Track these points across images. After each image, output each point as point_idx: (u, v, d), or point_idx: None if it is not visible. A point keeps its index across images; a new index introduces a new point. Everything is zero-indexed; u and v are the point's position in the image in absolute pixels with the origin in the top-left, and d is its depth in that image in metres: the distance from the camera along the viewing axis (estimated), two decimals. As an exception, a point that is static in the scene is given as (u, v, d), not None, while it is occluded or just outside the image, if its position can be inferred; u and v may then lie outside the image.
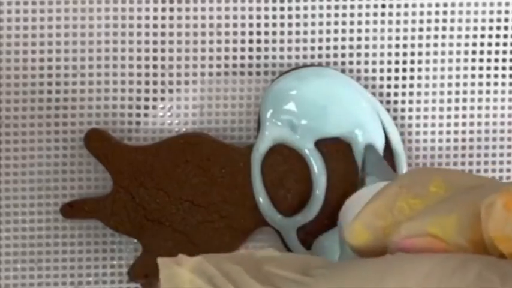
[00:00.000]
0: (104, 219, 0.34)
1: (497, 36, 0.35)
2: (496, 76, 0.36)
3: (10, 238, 0.35)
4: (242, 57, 0.35)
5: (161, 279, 0.21)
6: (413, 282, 0.19)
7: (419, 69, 0.35)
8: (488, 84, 0.36)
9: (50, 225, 0.35)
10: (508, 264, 0.19)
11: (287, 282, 0.21)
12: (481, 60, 0.36)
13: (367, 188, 0.29)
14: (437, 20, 0.35)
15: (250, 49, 0.35)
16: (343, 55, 0.35)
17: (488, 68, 0.36)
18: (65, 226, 0.35)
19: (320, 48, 0.35)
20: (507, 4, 0.35)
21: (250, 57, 0.35)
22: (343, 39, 0.35)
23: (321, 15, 0.35)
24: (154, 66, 0.35)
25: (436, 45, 0.35)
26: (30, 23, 0.34)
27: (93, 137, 0.34)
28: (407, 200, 0.22)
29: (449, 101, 0.36)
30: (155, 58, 0.35)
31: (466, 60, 0.35)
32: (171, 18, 0.35)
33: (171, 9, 0.35)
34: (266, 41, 0.35)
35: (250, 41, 0.35)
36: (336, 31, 0.35)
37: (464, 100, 0.36)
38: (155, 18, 0.35)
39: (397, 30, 0.35)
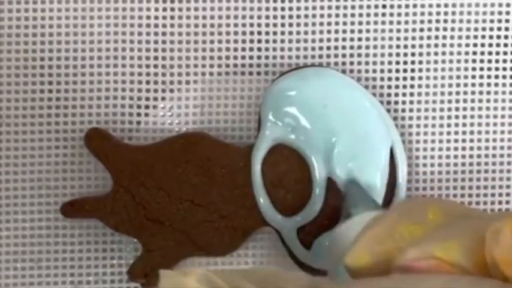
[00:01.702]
0: (104, 219, 0.34)
1: (498, 37, 0.35)
2: (496, 77, 0.36)
3: (10, 237, 0.35)
4: (243, 57, 0.35)
5: None
6: None
7: (420, 70, 0.35)
8: (488, 85, 0.36)
9: (50, 225, 0.35)
10: None
11: None
12: (481, 61, 0.36)
13: (358, 216, 0.30)
14: (438, 21, 0.35)
15: (251, 49, 0.35)
16: (343, 55, 0.35)
17: (489, 69, 0.36)
18: (65, 225, 0.35)
19: (321, 48, 0.35)
20: (508, 5, 0.35)
21: (251, 57, 0.35)
22: (344, 39, 0.35)
23: (321, 16, 0.35)
24: (155, 66, 0.35)
25: (436, 45, 0.35)
26: (31, 22, 0.34)
27: (93, 136, 0.34)
28: (408, 227, 0.23)
29: (449, 101, 0.36)
30: (156, 58, 0.35)
31: (466, 61, 0.35)
32: (172, 18, 0.35)
33: (172, 9, 0.35)
34: (267, 41, 0.35)
35: (251, 41, 0.35)
36: (336, 31, 0.35)
37: (465, 101, 0.36)
38: (156, 18, 0.35)
39: (398, 30, 0.35)
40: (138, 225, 0.34)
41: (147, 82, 0.35)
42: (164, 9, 0.35)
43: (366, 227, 0.23)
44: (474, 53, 0.35)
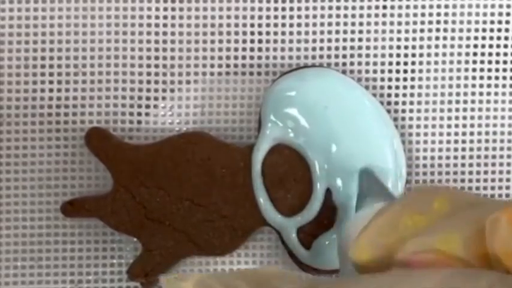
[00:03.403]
0: (104, 218, 0.34)
1: (498, 38, 0.36)
2: (496, 78, 0.36)
3: (10, 236, 0.35)
4: (243, 57, 0.35)
5: None
6: None
7: (420, 71, 0.35)
8: (489, 86, 0.36)
9: (50, 224, 0.35)
10: None
11: None
12: (482, 61, 0.36)
13: (367, 208, 0.29)
14: (438, 22, 0.35)
15: (252, 49, 0.35)
16: (344, 56, 0.35)
17: (490, 70, 0.36)
18: (65, 224, 0.35)
19: (321, 48, 0.35)
20: (508, 6, 0.35)
21: (252, 57, 0.35)
22: (345, 40, 0.35)
23: (322, 16, 0.35)
24: (156, 66, 0.35)
25: (437, 46, 0.35)
26: (32, 21, 0.35)
27: (94, 135, 0.34)
28: (412, 216, 0.22)
29: (449, 102, 0.36)
30: (157, 57, 0.35)
31: (467, 61, 0.36)
32: (173, 17, 0.35)
33: (173, 9, 0.35)
34: (267, 41, 0.35)
35: (252, 41, 0.35)
36: (337, 32, 0.35)
37: (465, 102, 0.36)
38: (157, 17, 0.35)
39: (399, 31, 0.35)
40: (138, 225, 0.34)
41: (148, 82, 0.35)
42: (165, 9, 0.35)
43: (370, 219, 0.23)
44: (474, 54, 0.36)
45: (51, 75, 0.35)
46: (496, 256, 0.20)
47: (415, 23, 0.35)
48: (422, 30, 0.35)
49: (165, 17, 0.35)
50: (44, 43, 0.35)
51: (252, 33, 0.35)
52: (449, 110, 0.36)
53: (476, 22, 0.35)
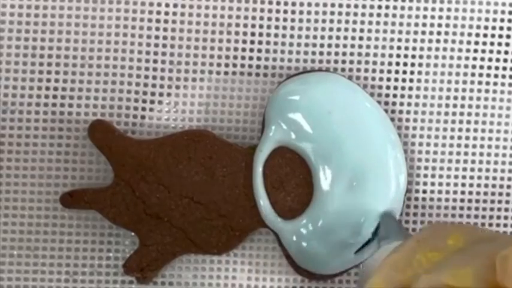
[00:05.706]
0: (103, 211, 0.34)
1: (499, 44, 0.36)
2: (495, 84, 0.36)
3: (8, 224, 0.35)
4: (250, 58, 0.35)
5: None
6: None
7: (426, 81, 0.36)
8: (494, 91, 0.36)
9: (49, 214, 0.35)
10: None
11: None
12: (488, 68, 0.36)
13: (384, 247, 0.29)
14: (446, 33, 0.35)
15: (259, 50, 0.35)
16: (351, 62, 0.35)
17: (496, 76, 0.36)
18: (64, 215, 0.35)
19: (329, 53, 0.35)
20: (510, 13, 0.35)
21: (258, 58, 0.35)
22: (352, 46, 0.35)
23: (331, 21, 0.35)
24: (163, 62, 0.35)
25: (444, 57, 0.36)
26: (42, 11, 0.35)
27: (97, 128, 0.34)
28: (425, 253, 0.23)
29: (453, 113, 0.36)
30: (164, 53, 0.35)
31: (474, 67, 0.36)
32: (182, 14, 0.35)
33: (183, 6, 0.35)
34: (275, 43, 0.35)
35: (260, 42, 0.35)
36: (345, 37, 0.35)
37: (470, 106, 0.36)
38: (166, 13, 0.35)
39: (407, 40, 0.35)
40: (136, 219, 0.34)
41: (154, 77, 0.35)
42: (175, 5, 0.35)
43: (387, 256, 0.23)
44: (482, 59, 0.36)
45: (58, 66, 0.35)
46: None
47: (423, 32, 0.35)
48: (430, 41, 0.35)
49: (174, 14, 0.35)
50: (52, 33, 0.35)
51: (260, 34, 0.35)
52: (454, 114, 0.36)
53: (477, 27, 0.35)
